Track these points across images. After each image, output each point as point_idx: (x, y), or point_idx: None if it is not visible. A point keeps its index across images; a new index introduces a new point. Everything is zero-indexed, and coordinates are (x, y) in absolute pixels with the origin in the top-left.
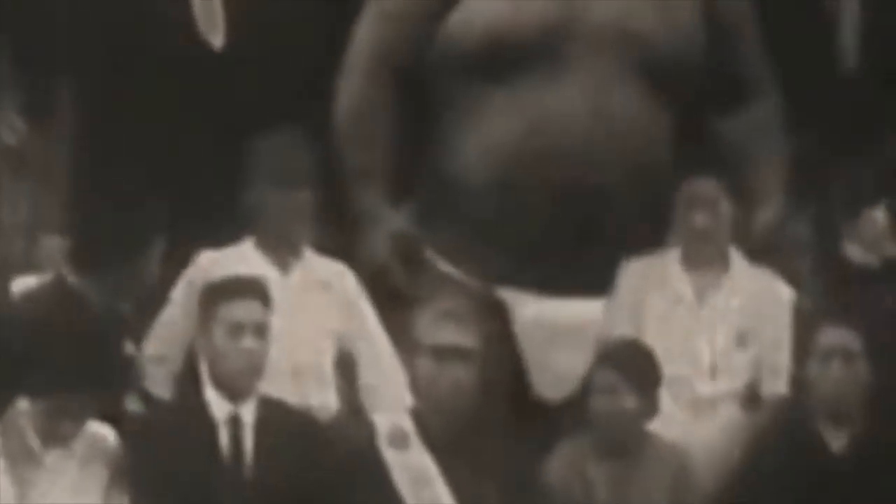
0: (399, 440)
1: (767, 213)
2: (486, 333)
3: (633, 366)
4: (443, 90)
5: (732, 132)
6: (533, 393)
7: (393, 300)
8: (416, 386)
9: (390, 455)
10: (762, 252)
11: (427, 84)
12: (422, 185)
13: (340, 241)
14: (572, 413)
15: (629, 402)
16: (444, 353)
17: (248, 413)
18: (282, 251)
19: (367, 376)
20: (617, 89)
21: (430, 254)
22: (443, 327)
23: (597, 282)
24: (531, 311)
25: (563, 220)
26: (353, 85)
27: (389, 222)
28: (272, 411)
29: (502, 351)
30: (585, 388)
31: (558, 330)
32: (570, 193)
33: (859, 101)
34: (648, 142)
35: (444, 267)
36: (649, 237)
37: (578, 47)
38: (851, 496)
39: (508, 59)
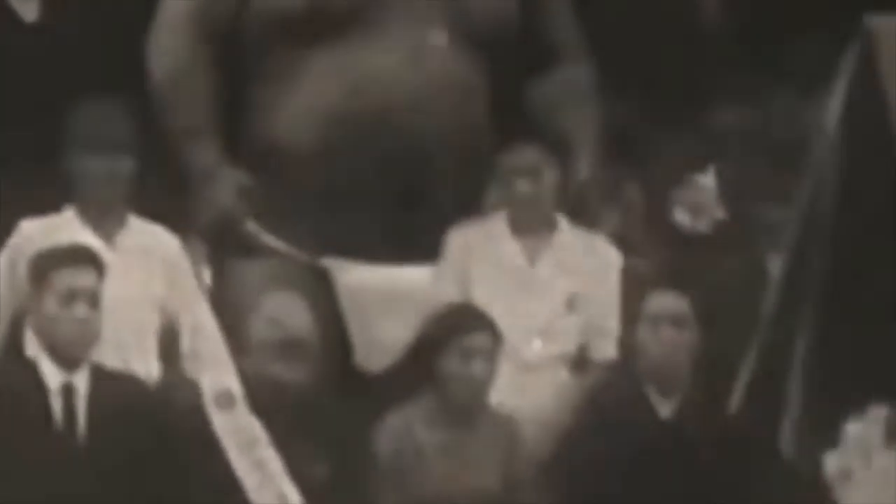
0: (225, 401)
1: (578, 175)
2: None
3: (493, 329)
4: (261, 54)
5: (542, 95)
6: (354, 361)
7: (236, 253)
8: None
9: (216, 416)
10: (578, 212)
11: (245, 48)
12: (243, 152)
13: (168, 205)
14: (393, 382)
15: (490, 366)
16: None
17: (81, 382)
18: (104, 219)
19: (190, 343)
20: (434, 49)
21: (251, 224)
22: (277, 328)
23: (420, 248)
24: (355, 278)
25: (385, 184)
26: (171, 46)
27: (232, 176)
28: (105, 379)
29: (327, 320)
30: (433, 353)
31: (381, 298)
32: (391, 156)
33: (687, 66)
34: (466, 102)
35: (266, 237)
36: (469, 201)
37: (395, 7)
38: (679, 461)
39: (328, 22)
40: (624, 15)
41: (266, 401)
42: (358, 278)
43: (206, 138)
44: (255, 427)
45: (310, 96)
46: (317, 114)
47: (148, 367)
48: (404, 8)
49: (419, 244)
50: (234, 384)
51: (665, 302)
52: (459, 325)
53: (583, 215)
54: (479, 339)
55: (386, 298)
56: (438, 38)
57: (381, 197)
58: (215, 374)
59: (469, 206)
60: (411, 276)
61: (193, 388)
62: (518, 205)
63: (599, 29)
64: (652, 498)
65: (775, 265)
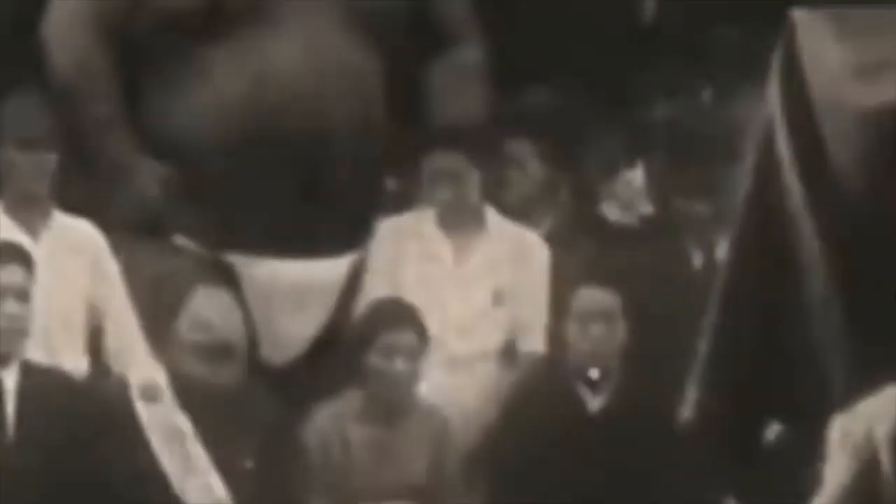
0: (151, 394)
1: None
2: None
3: (423, 327)
4: (160, 51)
5: (435, 78)
6: (260, 356)
7: (153, 245)
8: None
9: (142, 409)
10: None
11: (143, 44)
12: (144, 149)
13: (87, 198)
14: (300, 376)
15: (414, 364)
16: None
17: (10, 378)
18: (30, 215)
19: (115, 337)
20: (332, 38)
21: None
22: (206, 331)
23: (324, 241)
24: (261, 273)
25: (291, 177)
26: (72, 38)
27: (153, 167)
28: (34, 376)
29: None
30: (352, 349)
31: (286, 292)
32: (294, 149)
33: (617, 61)
34: (363, 91)
35: (172, 235)
36: (371, 192)
37: (290, 1)
38: (608, 455)
39: (224, 17)
40: (557, 11)
41: (192, 398)
42: (262, 273)
43: (121, 130)
44: (181, 421)
45: (210, 92)
46: (218, 110)
47: (76, 362)
48: (298, 1)
49: (323, 237)
50: (160, 377)
51: (594, 297)
52: (383, 321)
53: (521, 213)
54: (402, 337)
55: (291, 292)
56: (333, 26)
57: (283, 191)
58: (142, 367)
59: (371, 198)
60: (316, 270)
61: (121, 382)
62: (442, 207)
63: (534, 24)
64: (580, 492)
65: (699, 260)
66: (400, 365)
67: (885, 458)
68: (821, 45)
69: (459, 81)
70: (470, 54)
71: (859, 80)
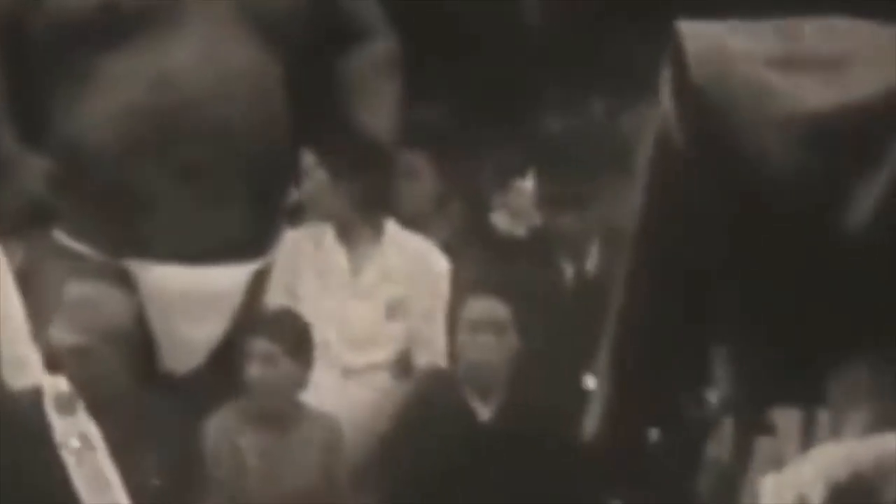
0: (66, 405)
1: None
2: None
3: (289, 335)
4: (57, 56)
5: (343, 77)
6: (162, 364)
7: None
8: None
9: (56, 420)
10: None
11: (45, 48)
12: (49, 152)
13: None
14: (203, 383)
15: (283, 371)
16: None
17: None
18: None
19: (11, 348)
20: (231, 41)
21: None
22: (67, 329)
23: (229, 248)
24: (160, 280)
25: (191, 183)
26: None
27: (39, 163)
28: None
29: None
30: (234, 357)
31: (186, 298)
32: (196, 155)
33: (510, 75)
34: (265, 94)
35: (65, 240)
36: (273, 197)
37: (187, 4)
38: (498, 465)
39: (120, 22)
40: (453, 22)
41: (98, 408)
42: (162, 279)
43: (4, 123)
44: (93, 433)
45: (108, 97)
46: (117, 114)
47: None
48: (197, 4)
49: (225, 244)
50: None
51: (484, 307)
52: (249, 327)
53: (415, 224)
54: (257, 343)
55: (191, 299)
56: (234, 31)
57: (184, 196)
58: (49, 377)
59: (275, 204)
60: (217, 277)
61: (35, 392)
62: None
63: (427, 39)
64: (470, 500)
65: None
66: (255, 370)
67: None
68: (714, 53)
69: (375, 75)
70: (383, 47)
71: (777, 83)
